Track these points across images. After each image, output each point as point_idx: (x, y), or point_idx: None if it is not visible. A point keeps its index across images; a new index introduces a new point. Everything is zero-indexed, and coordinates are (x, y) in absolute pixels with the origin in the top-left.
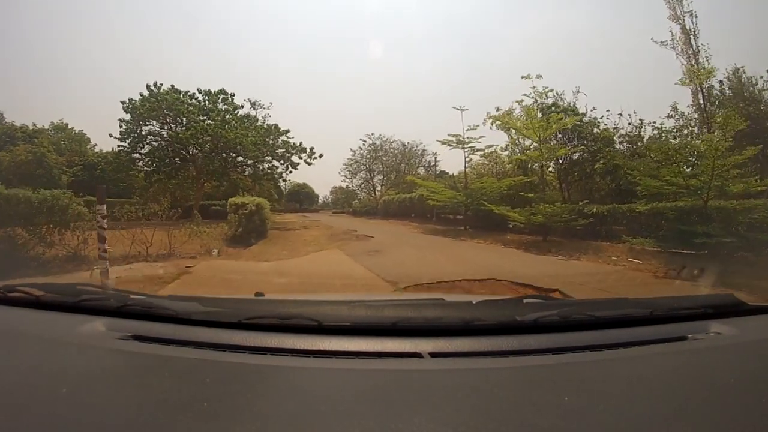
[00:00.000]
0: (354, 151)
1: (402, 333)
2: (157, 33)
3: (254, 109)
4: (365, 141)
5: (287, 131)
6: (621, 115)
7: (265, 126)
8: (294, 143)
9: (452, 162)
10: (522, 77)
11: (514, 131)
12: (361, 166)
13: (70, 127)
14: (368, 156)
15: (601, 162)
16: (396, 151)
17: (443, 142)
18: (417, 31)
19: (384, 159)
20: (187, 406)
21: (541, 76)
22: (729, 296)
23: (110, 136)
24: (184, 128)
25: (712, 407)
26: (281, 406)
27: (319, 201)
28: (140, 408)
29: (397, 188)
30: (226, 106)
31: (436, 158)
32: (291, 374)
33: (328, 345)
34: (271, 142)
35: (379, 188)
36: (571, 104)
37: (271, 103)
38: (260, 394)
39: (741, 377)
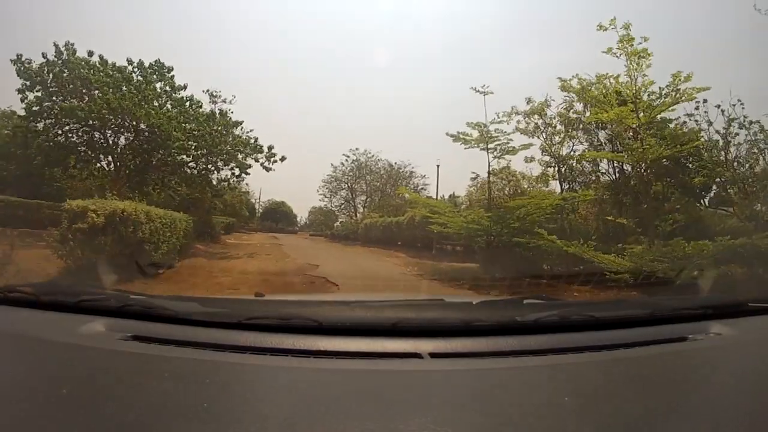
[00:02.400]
0: (335, 168)
1: (402, 333)
2: (146, 31)
3: (213, 102)
4: (348, 156)
5: (239, 123)
6: (722, 108)
7: (206, 112)
8: (245, 139)
9: (443, 185)
10: (599, 27)
11: (551, 128)
12: (343, 185)
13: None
14: (351, 173)
15: (702, 174)
16: (382, 171)
17: (457, 138)
18: (411, 52)
19: (368, 178)
20: (187, 407)
21: (630, 26)
22: (729, 297)
23: (12, 113)
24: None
25: (713, 407)
26: (281, 407)
27: (300, 222)
28: (140, 408)
29: (381, 211)
30: (161, 83)
31: (437, 177)
32: (291, 374)
33: (328, 345)
34: (216, 135)
35: (361, 210)
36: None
37: (234, 96)
38: (260, 394)
39: (741, 377)
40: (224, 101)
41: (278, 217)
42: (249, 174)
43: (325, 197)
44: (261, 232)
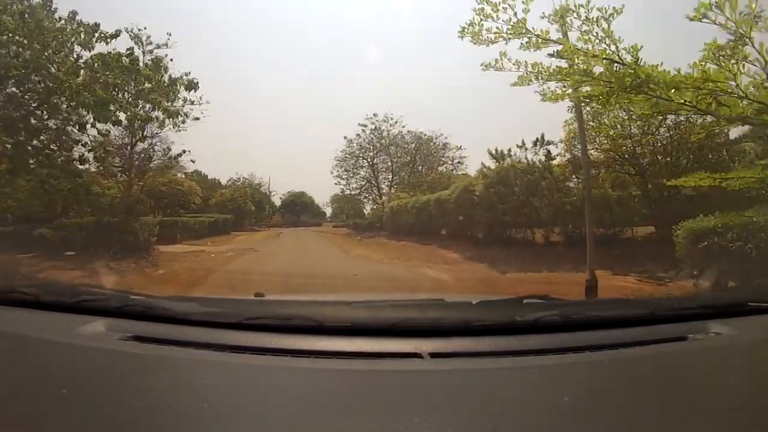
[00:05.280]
0: (350, 141)
1: (402, 333)
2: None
3: (137, 44)
4: (365, 126)
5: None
6: None
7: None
8: (136, 62)
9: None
10: None
11: None
12: (361, 161)
13: None
14: (370, 146)
15: None
16: (409, 146)
17: None
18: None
19: (392, 150)
20: (188, 407)
21: None
22: (729, 296)
23: None
24: None
25: (713, 407)
26: (281, 407)
27: (328, 213)
28: (140, 408)
29: (414, 189)
30: None
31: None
32: (291, 375)
33: (328, 345)
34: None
35: (385, 190)
36: None
37: (169, 36)
38: (260, 394)
39: (741, 377)
40: (159, 46)
41: (298, 209)
42: (144, 122)
43: (341, 179)
44: (280, 226)
